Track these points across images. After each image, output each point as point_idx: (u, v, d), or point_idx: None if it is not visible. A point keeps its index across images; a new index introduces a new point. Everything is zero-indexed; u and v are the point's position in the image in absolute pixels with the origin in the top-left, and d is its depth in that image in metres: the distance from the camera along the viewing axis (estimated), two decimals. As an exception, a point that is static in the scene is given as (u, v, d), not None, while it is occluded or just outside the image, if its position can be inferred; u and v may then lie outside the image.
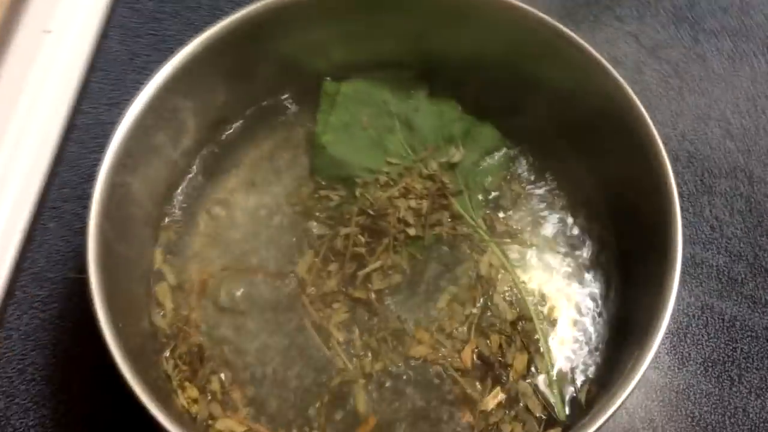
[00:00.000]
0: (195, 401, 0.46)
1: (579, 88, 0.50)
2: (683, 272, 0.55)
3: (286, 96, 0.58)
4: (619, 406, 0.39)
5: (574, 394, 0.47)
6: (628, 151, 0.48)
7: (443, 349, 0.49)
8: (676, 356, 0.53)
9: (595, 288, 0.51)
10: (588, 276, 0.52)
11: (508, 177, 0.55)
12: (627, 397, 0.39)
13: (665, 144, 0.59)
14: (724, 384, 0.52)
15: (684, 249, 0.55)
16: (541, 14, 0.50)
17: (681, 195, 0.58)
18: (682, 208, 0.57)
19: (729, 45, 0.65)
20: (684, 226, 0.56)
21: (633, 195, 0.49)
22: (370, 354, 0.48)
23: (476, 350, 0.49)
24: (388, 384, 0.48)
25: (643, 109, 0.47)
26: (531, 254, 0.53)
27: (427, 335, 0.49)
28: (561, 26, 0.49)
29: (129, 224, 0.48)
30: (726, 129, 0.61)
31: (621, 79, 0.47)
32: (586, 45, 0.49)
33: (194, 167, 0.54)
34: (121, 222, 0.46)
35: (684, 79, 0.63)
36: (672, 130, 0.61)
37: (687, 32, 0.66)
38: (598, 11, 0.66)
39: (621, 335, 0.48)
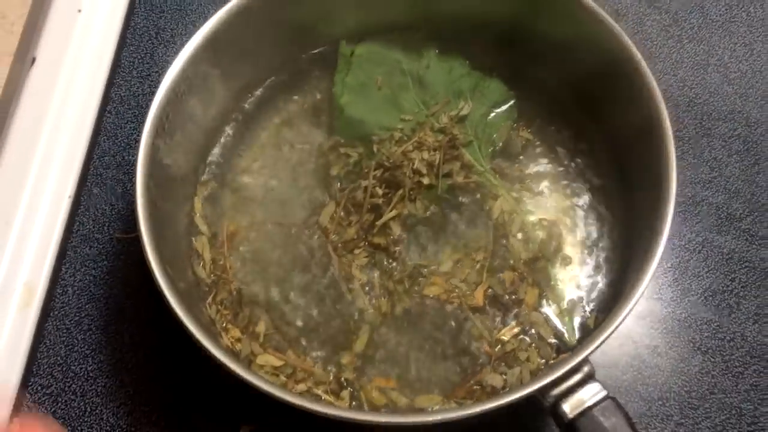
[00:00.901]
0: (238, 340, 0.51)
1: (578, 40, 0.53)
2: (684, 210, 0.59)
3: (305, 61, 0.61)
4: (616, 327, 0.42)
5: (584, 321, 0.51)
6: (627, 96, 0.51)
7: (457, 290, 0.53)
8: (678, 288, 0.57)
9: (601, 225, 0.55)
10: (593, 215, 0.55)
11: (515, 126, 0.58)
12: (623, 319, 0.43)
13: (666, 91, 0.63)
14: (723, 312, 0.56)
15: (685, 189, 0.60)
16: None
17: (681, 138, 0.61)
18: (683, 150, 0.61)
19: (726, -8, 0.68)
20: (684, 167, 0.60)
21: (632, 136, 0.52)
22: (386, 295, 0.53)
23: (489, 290, 0.53)
24: (406, 323, 0.52)
25: (639, 55, 0.50)
26: (539, 196, 0.56)
27: (441, 279, 0.53)
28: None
29: (170, 184, 0.52)
30: (724, 74, 0.64)
31: (618, 28, 0.50)
32: (584, -2, 0.52)
33: (225, 130, 0.58)
34: (163, 182, 0.50)
35: (683, 27, 0.66)
36: (672, 77, 0.64)
37: (685, -18, 0.68)
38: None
39: (624, 267, 0.51)
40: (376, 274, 0.53)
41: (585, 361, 0.43)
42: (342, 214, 0.55)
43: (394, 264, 0.54)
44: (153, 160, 0.49)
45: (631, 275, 0.47)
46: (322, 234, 0.55)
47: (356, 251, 0.54)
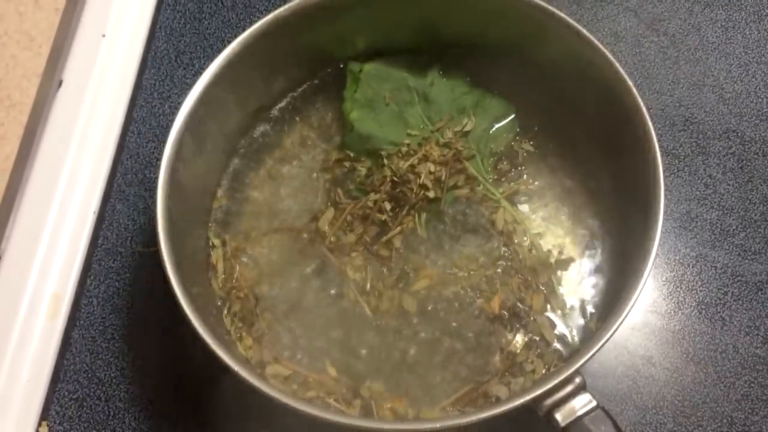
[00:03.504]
0: (251, 348, 0.54)
1: (570, 61, 0.56)
2: (680, 226, 0.61)
3: (317, 82, 0.64)
4: (604, 343, 0.45)
5: (586, 325, 0.53)
6: (619, 117, 0.54)
7: (468, 299, 0.55)
8: (673, 301, 0.59)
9: (600, 234, 0.57)
10: (592, 223, 0.58)
11: (516, 139, 0.61)
12: (610, 336, 0.45)
13: (662, 110, 0.66)
14: (716, 324, 0.58)
15: (680, 205, 0.62)
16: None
17: (677, 156, 0.64)
18: (678, 168, 0.63)
19: (723, 15, 0.70)
20: (680, 185, 0.63)
21: (625, 154, 0.54)
22: (383, 296, 0.55)
23: (502, 298, 0.55)
24: (416, 330, 0.54)
25: (627, 77, 0.52)
26: (540, 206, 0.59)
27: (430, 272, 0.56)
28: (552, 8, 0.55)
29: (188, 202, 0.55)
30: (719, 94, 0.66)
31: (606, 51, 0.53)
32: (574, 23, 0.54)
33: (239, 149, 0.61)
34: (182, 201, 0.53)
35: (680, 49, 0.68)
36: (669, 97, 0.66)
37: (683, 4, 0.70)
38: (601, -12, 0.72)
39: (619, 276, 0.53)
40: (370, 276, 0.56)
41: (576, 372, 0.45)
42: (346, 221, 0.57)
43: (387, 270, 0.56)
44: (172, 180, 0.52)
45: (623, 290, 0.49)
46: (320, 237, 0.57)
47: (353, 254, 0.57)
